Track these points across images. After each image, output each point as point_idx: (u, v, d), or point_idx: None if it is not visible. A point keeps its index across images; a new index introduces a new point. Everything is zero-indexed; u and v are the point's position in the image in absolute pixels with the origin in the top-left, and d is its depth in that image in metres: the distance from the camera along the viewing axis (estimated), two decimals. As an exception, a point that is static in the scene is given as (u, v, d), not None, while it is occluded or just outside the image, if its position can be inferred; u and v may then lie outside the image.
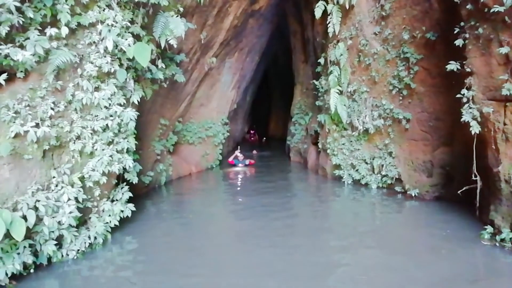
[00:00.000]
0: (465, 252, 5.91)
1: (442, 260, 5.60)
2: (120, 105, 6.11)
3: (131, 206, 6.69)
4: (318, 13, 10.29)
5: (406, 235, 6.90)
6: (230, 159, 15.69)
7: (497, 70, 6.14)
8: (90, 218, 6.09)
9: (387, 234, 6.88)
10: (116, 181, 6.74)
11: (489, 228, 6.29)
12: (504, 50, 5.82)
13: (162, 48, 7.16)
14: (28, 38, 4.92)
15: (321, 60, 11.59)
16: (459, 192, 7.56)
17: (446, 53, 7.86)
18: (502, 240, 6.00)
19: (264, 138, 27.27)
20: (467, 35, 6.64)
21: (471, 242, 6.26)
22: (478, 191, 7.02)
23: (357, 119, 10.46)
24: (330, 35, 10.38)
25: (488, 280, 5.07)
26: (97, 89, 5.77)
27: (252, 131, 29.11)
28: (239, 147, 17.04)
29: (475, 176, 6.98)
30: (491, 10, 5.82)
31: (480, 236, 6.35)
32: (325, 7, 10.22)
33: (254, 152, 19.07)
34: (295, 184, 12.35)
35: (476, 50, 6.49)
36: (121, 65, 6.09)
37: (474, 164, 6.92)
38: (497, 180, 6.20)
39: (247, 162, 15.57)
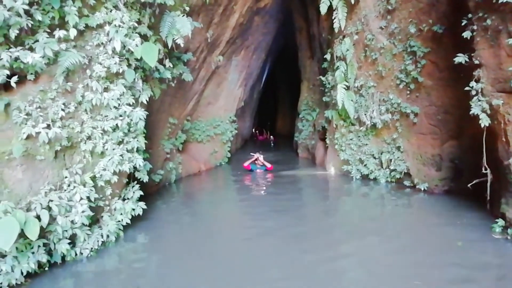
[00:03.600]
0: (480, 246, 5.85)
1: (461, 255, 5.55)
2: (129, 105, 6.17)
3: (142, 204, 6.76)
4: (323, 8, 10.23)
5: (420, 230, 6.82)
6: (246, 163, 13.43)
7: (506, 61, 6.04)
8: (102, 216, 6.19)
9: (402, 231, 6.81)
10: (127, 180, 6.82)
11: (500, 222, 6.25)
12: (513, 41, 5.73)
13: (169, 47, 7.20)
14: (37, 41, 4.98)
15: (327, 56, 11.57)
16: (469, 185, 7.49)
17: (454, 45, 7.79)
18: (514, 233, 5.96)
19: (272, 137, 27.17)
20: (475, 27, 6.55)
21: (483, 236, 6.21)
22: (488, 184, 6.95)
23: (365, 114, 10.42)
24: (336, 30, 10.34)
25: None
26: (106, 89, 5.84)
27: (258, 130, 29.02)
28: (260, 152, 14.15)
29: (485, 169, 6.91)
30: (500, 1, 5.72)
31: (491, 229, 6.31)
32: (330, 3, 10.16)
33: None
34: (304, 180, 12.34)
35: (484, 41, 6.41)
36: (129, 65, 6.14)
37: (484, 157, 6.85)
38: (508, 173, 6.14)
39: (266, 167, 13.44)
